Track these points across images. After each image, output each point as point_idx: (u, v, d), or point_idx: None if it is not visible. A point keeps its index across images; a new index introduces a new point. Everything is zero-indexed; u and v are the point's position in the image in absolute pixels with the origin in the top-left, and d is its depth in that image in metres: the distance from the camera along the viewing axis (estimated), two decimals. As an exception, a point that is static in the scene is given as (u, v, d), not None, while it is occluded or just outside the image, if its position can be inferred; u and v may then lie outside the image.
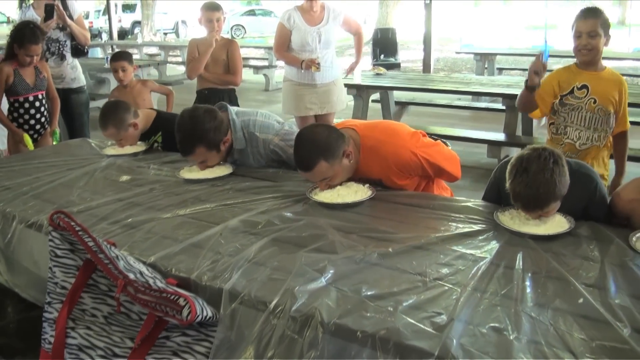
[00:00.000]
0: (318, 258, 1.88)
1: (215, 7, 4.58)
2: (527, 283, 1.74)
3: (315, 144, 2.38)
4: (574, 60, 3.16)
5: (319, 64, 4.64)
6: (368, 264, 1.87)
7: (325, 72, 4.76)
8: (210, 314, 1.71)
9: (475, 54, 9.72)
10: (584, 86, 3.08)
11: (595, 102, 3.06)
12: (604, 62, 3.14)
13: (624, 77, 3.19)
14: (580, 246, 2.00)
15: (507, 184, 2.10)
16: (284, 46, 4.82)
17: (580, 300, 1.65)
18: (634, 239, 2.01)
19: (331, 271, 1.80)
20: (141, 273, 1.81)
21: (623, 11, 25.95)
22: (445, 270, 1.81)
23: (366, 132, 2.56)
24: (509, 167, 2.13)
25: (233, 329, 1.70)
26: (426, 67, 10.32)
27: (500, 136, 5.66)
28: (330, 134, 2.42)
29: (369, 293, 1.68)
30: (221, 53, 4.60)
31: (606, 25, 3.04)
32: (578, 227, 2.12)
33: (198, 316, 1.66)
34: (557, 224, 2.14)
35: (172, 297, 1.68)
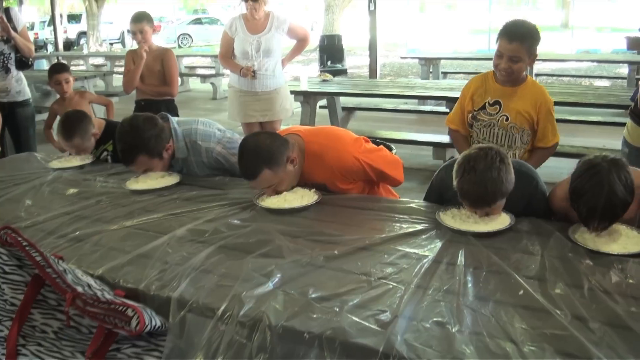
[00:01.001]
0: (265, 263, 1.90)
1: (137, 19, 4.55)
2: (469, 278, 1.79)
3: (258, 153, 2.40)
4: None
5: (254, 72, 4.63)
6: (314, 267, 1.89)
7: (266, 80, 4.76)
8: (159, 324, 1.70)
9: (420, 59, 9.88)
10: (497, 102, 2.94)
11: (507, 119, 2.94)
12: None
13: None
14: (521, 241, 2.07)
15: (455, 183, 2.15)
16: (227, 53, 4.84)
17: (521, 292, 1.71)
18: (572, 231, 2.09)
19: (278, 275, 1.82)
20: (89, 286, 1.79)
21: (566, 14, 26.68)
22: (389, 270, 1.85)
23: (310, 137, 2.59)
24: (455, 166, 2.18)
25: (182, 337, 1.70)
26: (372, 72, 10.43)
27: (445, 138, 5.74)
28: (273, 141, 2.44)
29: (315, 295, 1.70)
30: (155, 64, 4.58)
31: (533, 46, 2.86)
32: (518, 223, 2.19)
33: (147, 326, 1.65)
34: (498, 220, 2.20)
35: (120, 308, 1.67)
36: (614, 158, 2.05)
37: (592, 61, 11.41)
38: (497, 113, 2.95)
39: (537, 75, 10.02)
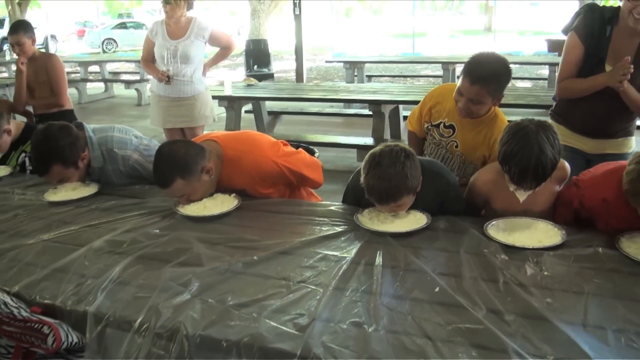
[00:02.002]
0: (183, 272, 1.88)
1: (13, 30, 4.33)
2: (386, 278, 1.82)
3: (172, 162, 2.37)
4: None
5: (169, 77, 4.54)
6: (233, 274, 1.88)
7: (184, 86, 4.66)
8: (75, 340, 1.66)
9: (345, 62, 9.91)
10: (452, 126, 2.78)
11: (457, 146, 2.79)
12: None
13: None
14: (437, 239, 2.12)
15: (362, 179, 2.17)
16: (149, 57, 4.76)
17: (437, 289, 1.75)
18: (488, 227, 2.16)
19: (196, 284, 1.80)
20: (5, 304, 1.72)
21: (489, 18, 27.51)
22: (308, 273, 1.86)
23: (228, 143, 2.56)
24: (363, 163, 2.20)
25: (100, 352, 1.66)
26: (299, 76, 10.49)
27: (369, 140, 5.81)
28: (189, 150, 2.41)
29: (233, 302, 1.69)
30: (40, 74, 4.40)
31: (498, 89, 2.59)
32: (435, 222, 2.24)
33: (63, 343, 1.61)
34: (415, 220, 2.24)
35: (37, 325, 1.63)
36: (540, 120, 2.18)
37: (515, 63, 11.69)
38: (449, 136, 2.80)
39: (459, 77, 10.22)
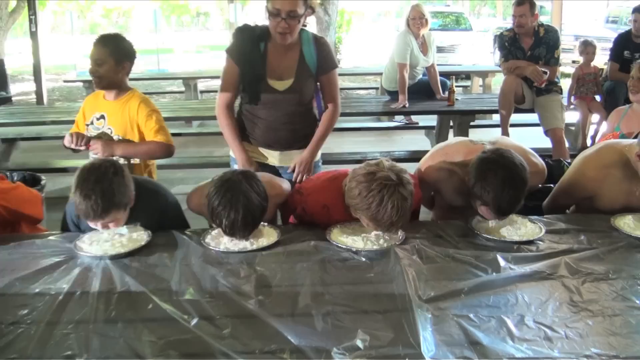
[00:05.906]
0: None
1: None
2: (101, 303, 1.76)
3: None
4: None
5: None
6: None
7: None
8: None
9: (84, 82, 9.32)
10: (102, 116, 2.98)
11: (112, 132, 2.95)
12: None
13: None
14: (158, 255, 2.10)
15: (72, 195, 2.09)
16: None
17: (150, 306, 1.74)
18: (206, 237, 2.20)
19: None
20: None
21: (233, 34, 27.90)
22: (21, 312, 1.72)
23: None
24: (74, 179, 2.11)
25: None
26: (39, 98, 9.67)
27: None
28: None
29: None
30: None
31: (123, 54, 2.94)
32: (156, 238, 2.21)
33: None
34: (135, 240, 2.18)
35: None
36: (243, 170, 2.20)
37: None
38: (103, 126, 2.96)
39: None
